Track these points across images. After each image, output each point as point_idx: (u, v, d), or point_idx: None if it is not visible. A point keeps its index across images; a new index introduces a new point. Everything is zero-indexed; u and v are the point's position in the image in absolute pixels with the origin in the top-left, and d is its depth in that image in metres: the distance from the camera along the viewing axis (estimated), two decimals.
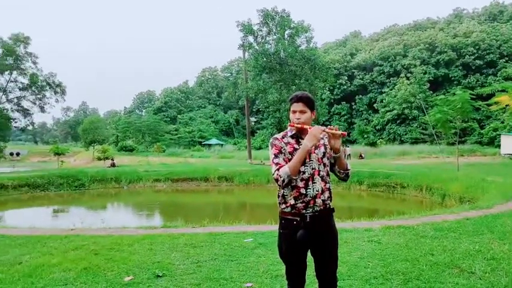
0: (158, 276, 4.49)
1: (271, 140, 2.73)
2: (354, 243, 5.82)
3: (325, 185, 2.68)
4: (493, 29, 57.16)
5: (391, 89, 56.67)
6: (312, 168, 2.65)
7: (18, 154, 60.22)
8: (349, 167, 2.79)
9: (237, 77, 57.31)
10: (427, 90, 52.25)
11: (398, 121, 54.33)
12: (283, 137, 2.72)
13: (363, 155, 36.39)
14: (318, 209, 2.64)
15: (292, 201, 2.63)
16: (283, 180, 2.56)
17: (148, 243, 6.06)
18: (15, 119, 36.73)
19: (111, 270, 4.72)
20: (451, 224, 7.02)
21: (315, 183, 2.64)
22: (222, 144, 59.52)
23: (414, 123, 51.77)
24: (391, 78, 58.63)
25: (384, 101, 56.60)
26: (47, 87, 36.76)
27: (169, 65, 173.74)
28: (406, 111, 52.16)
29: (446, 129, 21.40)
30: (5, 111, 35.06)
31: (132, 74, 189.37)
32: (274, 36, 30.09)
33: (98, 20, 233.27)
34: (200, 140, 64.25)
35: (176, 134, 64.01)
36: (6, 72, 34.87)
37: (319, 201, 2.64)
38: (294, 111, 2.70)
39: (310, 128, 2.60)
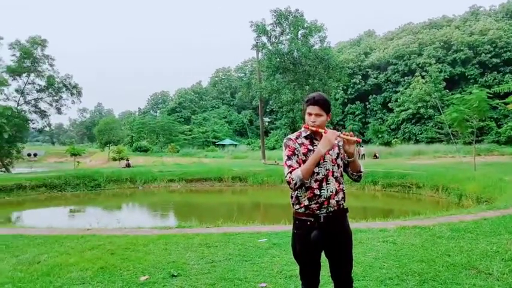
0: (173, 275, 4.52)
1: (284, 141, 2.73)
2: (369, 243, 5.78)
3: (339, 186, 2.68)
4: (510, 27, 56.19)
5: (405, 88, 56.07)
6: (326, 169, 2.64)
7: (35, 155, 61.28)
8: (362, 169, 2.78)
9: (250, 77, 57.37)
10: (443, 89, 51.55)
11: (413, 120, 53.73)
12: (297, 138, 2.71)
13: (377, 154, 36.10)
14: (331, 209, 2.64)
15: (306, 202, 2.63)
16: (295, 184, 2.56)
17: (163, 243, 6.10)
18: (32, 120, 37.35)
19: (127, 270, 4.77)
20: (468, 225, 6.92)
21: (329, 184, 2.63)
22: (235, 145, 59.64)
23: (430, 122, 51.14)
24: (406, 77, 58.02)
25: (398, 100, 56.04)
26: (64, 89, 37.32)
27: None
28: (422, 110, 51.54)
29: (463, 128, 21.09)
30: (23, 112, 35.68)
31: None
32: (288, 36, 30.01)
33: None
34: (214, 140, 64.52)
35: (190, 135, 64.38)
36: (24, 75, 35.50)
37: (333, 202, 2.64)
38: (310, 114, 2.68)
39: (325, 132, 2.59)
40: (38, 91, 37.10)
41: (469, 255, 5.02)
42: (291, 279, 4.33)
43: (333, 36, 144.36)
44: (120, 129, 56.65)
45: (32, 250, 5.88)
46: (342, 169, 2.74)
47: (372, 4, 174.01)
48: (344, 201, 2.72)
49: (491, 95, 21.25)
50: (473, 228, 6.59)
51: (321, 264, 2.75)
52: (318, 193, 2.61)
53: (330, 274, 2.80)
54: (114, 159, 34.39)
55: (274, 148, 52.40)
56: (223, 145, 60.01)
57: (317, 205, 2.61)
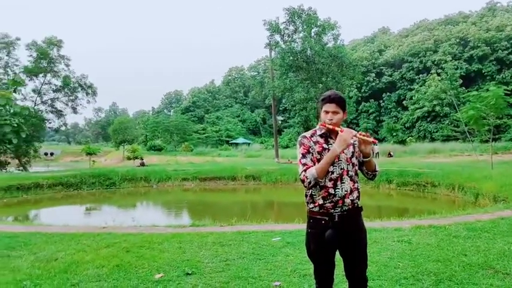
0: (188, 274, 4.56)
1: (299, 139, 2.72)
2: (384, 243, 5.74)
3: (353, 185, 2.67)
4: None
5: (421, 86, 55.43)
6: (341, 168, 2.63)
7: (52, 154, 62.15)
8: (377, 168, 2.77)
9: (263, 75, 57.36)
10: (459, 86, 50.81)
11: (428, 118, 53.05)
12: (312, 136, 2.70)
13: (391, 153, 35.75)
14: (346, 208, 2.63)
15: (320, 201, 2.62)
16: (310, 182, 2.55)
17: (178, 241, 6.15)
18: (49, 119, 38.06)
19: (142, 268, 4.82)
20: (485, 224, 6.82)
21: (343, 183, 2.62)
22: (249, 143, 59.71)
23: (445, 120, 50.45)
24: (421, 75, 57.36)
25: (413, 98, 55.40)
26: (79, 89, 37.87)
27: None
28: (437, 108, 50.86)
29: (479, 126, 20.75)
30: (40, 112, 36.33)
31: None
32: (301, 34, 29.90)
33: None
34: (227, 139, 64.68)
35: (204, 134, 64.66)
36: (41, 75, 36.13)
37: (347, 201, 2.63)
38: (327, 112, 2.67)
39: (341, 131, 2.58)
40: (54, 91, 37.77)
41: (486, 255, 4.95)
42: (304, 278, 4.33)
43: (347, 34, 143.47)
44: (134, 129, 57.14)
45: (49, 247, 5.97)
46: (356, 168, 2.73)
47: (387, 1, 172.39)
48: (359, 200, 2.71)
49: (508, 92, 20.89)
50: (490, 228, 6.50)
51: (335, 263, 2.74)
52: (333, 192, 2.60)
53: (344, 273, 2.80)
54: (129, 158, 34.68)
55: (287, 147, 52.33)
56: (237, 144, 60.12)
57: (331, 204, 2.61)
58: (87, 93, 38.36)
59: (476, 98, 20.31)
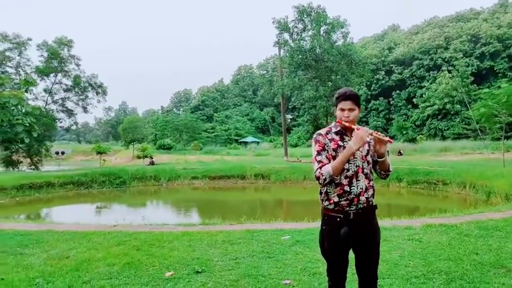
0: (197, 272, 4.58)
1: (314, 136, 2.72)
2: (394, 241, 5.71)
3: (368, 183, 2.67)
4: None
5: (431, 83, 54.96)
6: (356, 166, 2.63)
7: (63, 153, 62.70)
8: (390, 169, 2.78)
9: (272, 74, 57.27)
10: (470, 83, 50.27)
11: (439, 116, 52.60)
12: (327, 133, 2.71)
13: (401, 151, 35.48)
14: (361, 206, 2.63)
15: (335, 199, 2.63)
16: (325, 179, 2.56)
17: (188, 239, 6.17)
18: (60, 119, 38.39)
19: (152, 266, 4.85)
20: (497, 223, 6.75)
21: (358, 180, 2.62)
22: (258, 142, 59.74)
23: (456, 118, 50.00)
24: (431, 72, 56.87)
25: (423, 95, 54.96)
26: (89, 88, 38.16)
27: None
28: (448, 105, 50.39)
29: (491, 124, 20.54)
30: (51, 112, 36.67)
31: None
32: (310, 33, 29.83)
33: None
34: (236, 137, 64.76)
35: (213, 132, 64.83)
36: (52, 75, 36.46)
37: (362, 198, 2.63)
38: (343, 109, 2.67)
39: (357, 129, 2.58)
40: (65, 91, 38.11)
41: (497, 254, 4.90)
42: (314, 277, 4.32)
43: (357, 32, 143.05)
44: (144, 128, 57.48)
45: (61, 245, 6.03)
46: (371, 166, 2.73)
47: None
48: (373, 197, 2.72)
49: None
50: (502, 227, 6.43)
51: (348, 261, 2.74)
52: (348, 189, 2.60)
53: (354, 271, 2.79)
54: (139, 157, 34.87)
55: (296, 145, 52.26)
56: (246, 142, 60.17)
57: (347, 202, 2.61)
58: (97, 93, 38.64)
59: (488, 95, 20.11)
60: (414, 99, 57.29)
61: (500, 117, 19.26)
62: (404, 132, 45.19)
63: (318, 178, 2.59)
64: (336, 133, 2.69)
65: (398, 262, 4.73)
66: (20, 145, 28.01)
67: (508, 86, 19.50)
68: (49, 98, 37.25)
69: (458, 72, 50.72)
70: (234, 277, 4.38)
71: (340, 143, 2.65)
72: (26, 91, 28.30)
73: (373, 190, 2.70)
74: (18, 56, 34.82)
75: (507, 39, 52.70)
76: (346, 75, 29.28)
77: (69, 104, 38.74)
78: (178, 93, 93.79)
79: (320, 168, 2.58)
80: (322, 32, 29.71)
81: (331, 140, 2.67)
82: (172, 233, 6.71)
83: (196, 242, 5.98)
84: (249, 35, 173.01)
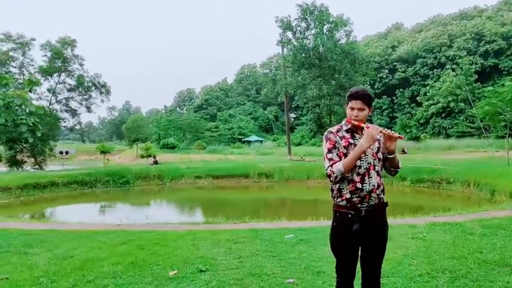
0: (201, 271, 4.58)
1: (325, 134, 2.74)
2: (398, 240, 5.69)
3: (380, 180, 2.69)
4: None
5: (435, 82, 54.73)
6: (368, 163, 2.65)
7: (67, 153, 62.78)
8: (400, 165, 2.80)
9: (276, 73, 57.26)
10: (474, 81, 50.03)
11: (443, 114, 52.35)
12: (338, 131, 2.72)
13: (405, 149, 35.40)
14: (372, 203, 2.65)
15: (348, 195, 2.64)
16: (336, 177, 2.58)
17: (191, 238, 6.19)
18: (64, 119, 38.54)
19: (156, 265, 4.86)
20: (501, 221, 6.73)
21: (371, 177, 2.64)
22: (261, 141, 59.73)
23: (460, 116, 49.75)
24: (435, 70, 56.63)
25: (427, 94, 54.74)
26: (93, 88, 38.26)
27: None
28: (452, 104, 50.15)
29: (495, 122, 20.44)
30: (55, 111, 36.80)
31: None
32: (313, 31, 29.79)
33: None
34: (240, 137, 64.77)
35: (216, 131, 64.84)
36: (55, 75, 36.59)
37: (374, 195, 2.65)
38: (352, 108, 2.69)
39: (367, 127, 2.60)
40: (68, 90, 38.24)
41: (502, 252, 4.89)
42: (318, 275, 4.32)
43: (360, 30, 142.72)
44: (147, 127, 57.60)
45: (65, 245, 6.05)
46: (381, 163, 2.76)
47: None
48: (384, 194, 2.73)
49: None
50: (506, 225, 6.41)
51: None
52: (360, 187, 2.62)
53: (358, 269, 2.80)
54: (142, 157, 34.94)
55: (300, 144, 52.18)
56: (249, 141, 60.16)
57: (359, 199, 2.63)
58: (101, 92, 38.77)
59: (492, 93, 20.03)
60: (418, 98, 57.06)
61: (504, 115, 19.17)
62: (408, 130, 45.06)
63: (329, 176, 2.61)
64: (347, 131, 2.71)
65: (402, 261, 4.72)
66: (24, 145, 28.12)
67: None
68: (53, 97, 37.40)
69: (462, 71, 50.42)
70: (238, 276, 4.38)
71: (351, 140, 2.67)
72: (30, 91, 28.44)
73: (383, 187, 2.73)
74: (22, 56, 34.95)
75: (511, 37, 52.41)
76: (350, 74, 29.25)
77: (73, 104, 38.92)
78: (182, 93, 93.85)
79: (331, 166, 2.60)
80: (325, 30, 29.68)
81: (342, 137, 2.68)
82: (176, 232, 6.72)
83: (200, 241, 5.99)
84: (251, 34, 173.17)
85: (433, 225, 6.62)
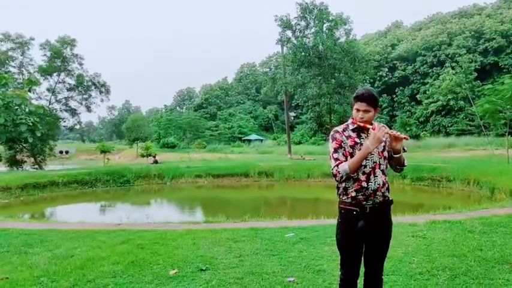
0: (202, 270, 4.59)
1: (331, 133, 2.77)
2: (398, 238, 5.70)
3: (385, 178, 2.72)
4: None
5: (434, 80, 54.74)
6: (373, 162, 2.68)
7: (67, 152, 62.71)
8: (405, 163, 2.84)
9: (275, 72, 57.17)
10: (474, 79, 50.01)
11: (443, 112, 52.38)
12: (344, 130, 2.74)
13: (405, 148, 34.91)
14: (377, 201, 2.68)
15: (353, 194, 2.67)
16: (341, 177, 2.61)
17: (192, 237, 6.19)
18: (63, 118, 38.47)
19: (156, 264, 4.87)
20: (501, 219, 6.73)
21: (376, 176, 2.67)
22: (261, 140, 59.73)
23: (460, 114, 49.77)
24: (435, 68, 56.65)
25: (427, 92, 54.74)
26: (93, 87, 38.22)
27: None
28: (452, 102, 50.17)
29: (495, 120, 20.45)
30: (55, 111, 36.74)
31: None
32: (313, 30, 29.75)
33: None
34: (240, 135, 64.75)
35: (216, 130, 64.83)
36: (55, 74, 36.53)
37: (379, 193, 2.68)
38: (358, 110, 2.71)
39: (373, 128, 2.62)
40: (68, 90, 38.17)
41: (502, 250, 4.89)
42: (318, 274, 4.33)
43: (360, 29, 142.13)
44: (147, 126, 57.53)
45: (65, 244, 6.05)
46: (387, 161, 2.78)
47: None
48: (388, 192, 2.75)
49: None
50: (506, 223, 6.41)
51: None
52: (366, 185, 2.65)
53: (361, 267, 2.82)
54: (142, 156, 34.91)
55: (300, 143, 52.19)
56: (249, 140, 60.17)
57: (364, 197, 2.65)
58: (101, 92, 38.69)
59: (492, 91, 20.01)
60: (418, 96, 57.08)
61: (504, 113, 19.18)
62: (408, 129, 45.04)
63: (334, 176, 2.65)
64: (353, 130, 2.74)
65: (402, 259, 4.73)
66: (24, 144, 28.09)
67: None
68: (52, 97, 37.32)
69: (462, 69, 50.43)
70: (238, 275, 4.38)
71: (357, 140, 2.69)
72: (29, 90, 28.45)
73: (388, 185, 2.75)
74: (21, 55, 34.87)
75: (511, 35, 52.38)
76: (350, 73, 29.20)
77: (73, 103, 38.81)
78: (182, 92, 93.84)
79: (337, 166, 2.63)
80: (325, 29, 29.62)
81: (348, 137, 2.71)
82: (176, 231, 6.73)
83: (200, 240, 5.99)
84: (251, 34, 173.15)
85: (433, 223, 6.63)
